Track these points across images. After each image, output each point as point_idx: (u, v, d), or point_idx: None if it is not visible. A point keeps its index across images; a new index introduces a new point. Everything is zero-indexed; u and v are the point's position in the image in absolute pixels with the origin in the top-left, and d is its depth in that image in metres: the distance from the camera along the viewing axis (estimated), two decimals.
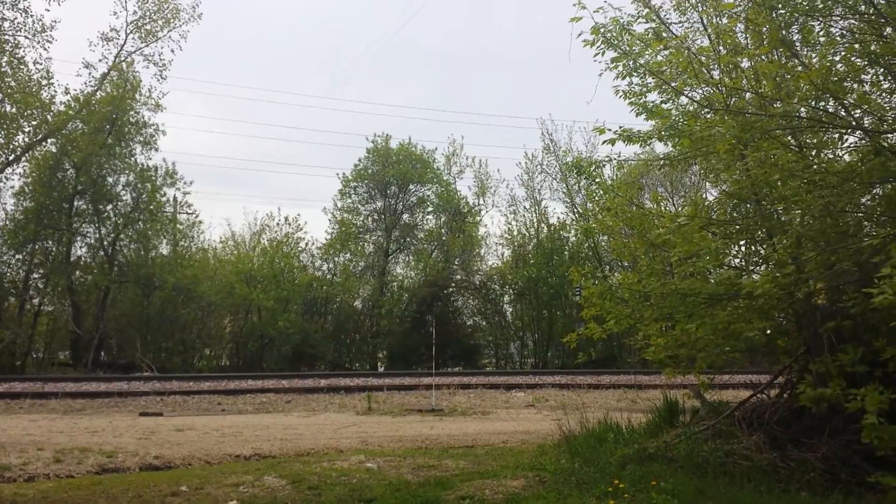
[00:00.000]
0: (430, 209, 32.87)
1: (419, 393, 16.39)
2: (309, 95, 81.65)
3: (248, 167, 61.63)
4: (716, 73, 7.87)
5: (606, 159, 8.53)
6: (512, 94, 78.81)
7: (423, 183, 32.54)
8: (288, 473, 7.37)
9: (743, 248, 7.88)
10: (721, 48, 7.85)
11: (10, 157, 25.29)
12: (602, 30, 7.74)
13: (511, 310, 30.42)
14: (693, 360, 8.02)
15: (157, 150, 26.92)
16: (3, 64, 25.14)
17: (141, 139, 26.42)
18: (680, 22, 8.26)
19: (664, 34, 7.86)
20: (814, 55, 7.61)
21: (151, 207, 26.24)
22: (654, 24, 8.05)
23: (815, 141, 7.67)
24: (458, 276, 30.47)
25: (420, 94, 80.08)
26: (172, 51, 28.58)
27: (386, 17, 75.84)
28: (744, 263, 8.07)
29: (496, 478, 7.29)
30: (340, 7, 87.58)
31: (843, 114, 6.94)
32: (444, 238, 31.73)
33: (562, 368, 23.01)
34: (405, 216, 32.46)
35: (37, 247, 25.07)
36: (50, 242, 25.48)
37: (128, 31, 26.49)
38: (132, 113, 25.92)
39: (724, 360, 7.99)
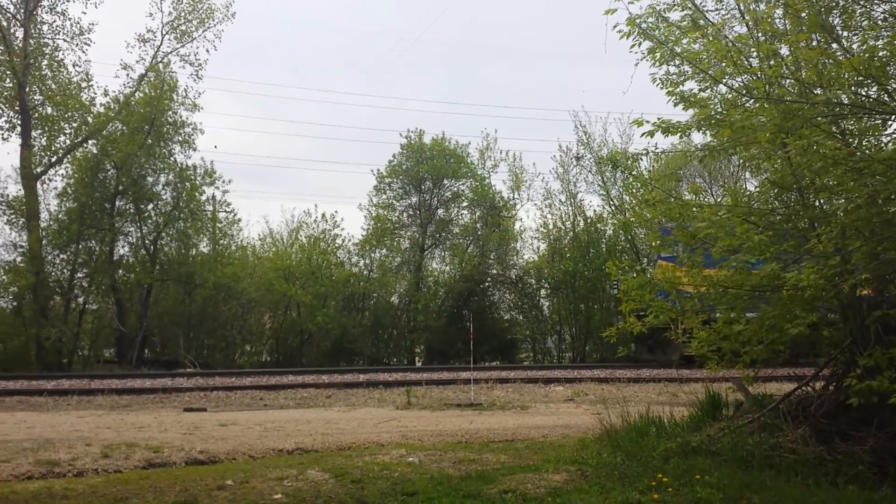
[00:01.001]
0: (464, 204, 32.83)
1: (457, 387, 16.42)
2: (341, 92, 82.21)
3: (283, 165, 62.20)
4: (754, 61, 7.75)
5: (643, 152, 8.44)
6: (545, 86, 78.44)
7: (458, 178, 32.51)
8: (331, 467, 7.44)
9: (786, 240, 7.76)
10: (759, 35, 7.73)
11: (53, 159, 25.83)
12: (638, 20, 7.66)
13: (548, 304, 30.29)
14: (737, 353, 7.93)
15: (195, 149, 27.27)
16: (44, 67, 25.69)
17: (179, 139, 26.76)
18: (716, 9, 8.15)
19: (701, 22, 7.76)
20: (855, 40, 7.47)
21: (191, 206, 26.57)
22: (690, 12, 7.96)
23: (858, 128, 7.53)
24: (494, 271, 30.42)
25: (452, 88, 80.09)
26: (207, 51, 28.89)
27: (415, 12, 75.94)
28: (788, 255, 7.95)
29: (537, 472, 7.29)
30: (371, 3, 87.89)
31: (886, 99, 6.79)
32: (479, 233, 31.69)
33: (600, 362, 22.86)
34: (440, 211, 32.46)
35: (80, 246, 25.54)
36: (93, 242, 25.94)
37: (164, 32, 26.87)
38: (170, 113, 26.26)
39: (769, 354, 7.88)
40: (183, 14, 26.98)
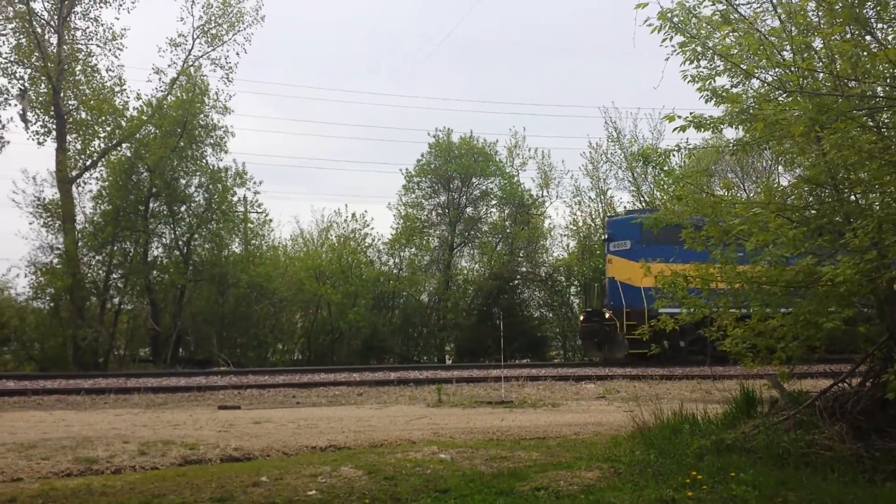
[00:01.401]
0: (493, 202, 32.81)
1: (488, 385, 16.42)
2: (369, 93, 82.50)
3: (313, 166, 62.71)
4: (787, 55, 7.66)
5: (675, 148, 8.38)
6: (574, 83, 78.05)
7: (486, 176, 32.48)
8: (363, 464, 7.50)
9: (821, 235, 7.66)
10: (792, 28, 7.64)
11: (87, 163, 26.23)
12: (669, 14, 7.60)
13: (578, 301, 30.19)
14: (772, 350, 7.85)
15: (226, 151, 27.56)
16: (78, 72, 26.11)
17: (211, 141, 27.04)
18: (748, 3, 8.06)
19: (733, 16, 7.69)
20: (890, 31, 7.35)
21: (223, 207, 26.85)
22: (721, 6, 7.88)
23: (893, 121, 7.41)
24: (524, 269, 30.39)
25: (479, 86, 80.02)
26: (237, 54, 29.16)
27: (442, 11, 76.02)
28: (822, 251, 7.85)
29: (570, 469, 7.28)
30: (398, 3, 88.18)
31: None
32: (508, 230, 31.66)
33: (632, 359, 22.74)
34: (469, 210, 32.47)
35: (115, 248, 25.92)
36: (128, 244, 26.32)
37: (195, 36, 27.13)
38: (202, 116, 26.56)
39: (804, 350, 7.79)
40: (213, 18, 27.23)
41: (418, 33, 73.99)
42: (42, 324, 24.63)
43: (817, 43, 7.63)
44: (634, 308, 21.03)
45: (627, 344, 20.88)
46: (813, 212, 7.83)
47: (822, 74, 7.55)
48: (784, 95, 7.54)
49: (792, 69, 7.44)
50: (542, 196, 33.25)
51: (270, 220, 29.97)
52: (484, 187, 32.74)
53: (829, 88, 7.20)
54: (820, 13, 7.64)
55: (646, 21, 7.65)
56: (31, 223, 25.70)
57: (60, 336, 23.83)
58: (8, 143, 24.80)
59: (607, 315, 21.79)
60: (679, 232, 18.40)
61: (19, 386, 15.34)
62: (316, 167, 70.16)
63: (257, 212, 29.62)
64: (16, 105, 25.39)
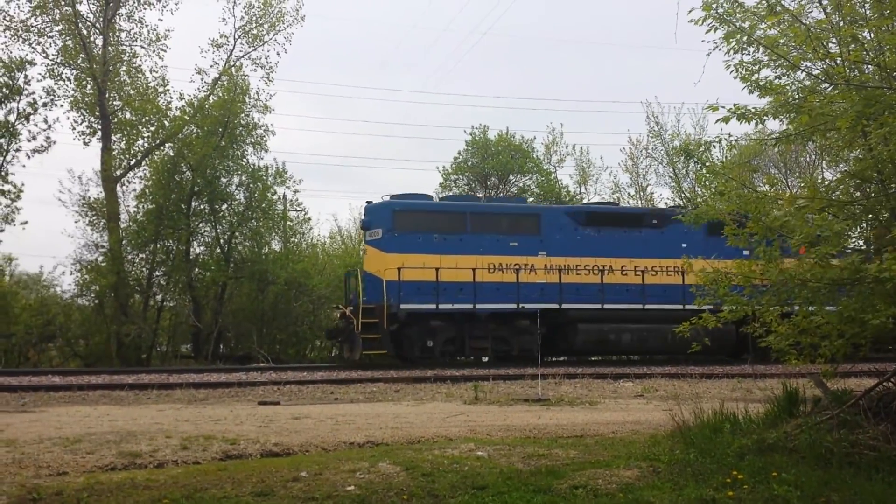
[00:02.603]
0: (530, 199, 32.72)
1: (524, 382, 16.36)
2: (406, 91, 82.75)
3: (350, 164, 63.16)
4: (833, 47, 7.50)
5: (716, 139, 8.24)
6: (613, 78, 77.38)
7: (524, 173, 32.42)
8: (401, 460, 7.52)
9: (868, 231, 7.49)
10: (839, 20, 7.47)
11: (132, 162, 26.74)
12: (714, 5, 7.48)
13: None
14: (816, 347, 7.70)
15: (266, 150, 27.87)
16: (122, 73, 26.61)
17: (252, 140, 27.36)
18: None
19: (777, 8, 7.54)
20: None
21: (263, 206, 27.14)
22: None
23: None
24: None
25: (516, 83, 79.75)
26: (278, 53, 29.52)
27: (481, 8, 75.86)
28: (869, 247, 7.67)
29: (608, 468, 7.21)
30: (434, 2, 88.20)
31: None
32: None
33: (670, 358, 22.50)
34: None
35: (158, 246, 26.38)
36: (170, 242, 26.75)
37: (236, 37, 27.50)
38: (243, 115, 26.88)
39: (849, 348, 7.62)
40: (255, 18, 27.55)
41: (458, 29, 74.02)
42: (87, 320, 25.18)
43: (865, 35, 7.45)
44: (376, 304, 19.75)
45: (362, 344, 19.71)
46: (859, 208, 7.65)
47: (870, 67, 7.39)
48: (830, 88, 7.38)
49: (838, 61, 7.28)
50: (581, 192, 33.07)
51: (309, 219, 30.25)
52: (521, 184, 32.66)
53: (878, 81, 7.03)
54: (867, 4, 7.47)
55: (689, 12, 7.55)
56: (76, 222, 26.37)
57: (105, 332, 24.33)
58: (54, 143, 25.35)
59: (346, 312, 20.56)
60: (439, 219, 18.09)
61: (65, 381, 15.66)
62: (354, 165, 70.67)
63: (296, 210, 29.91)
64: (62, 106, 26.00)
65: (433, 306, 19.72)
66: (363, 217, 22.34)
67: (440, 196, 27.31)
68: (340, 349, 22.65)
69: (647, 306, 20.97)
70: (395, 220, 20.43)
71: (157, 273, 26.76)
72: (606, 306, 20.84)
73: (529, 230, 21.28)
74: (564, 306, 20.66)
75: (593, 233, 21.61)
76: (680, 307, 19.56)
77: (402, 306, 19.53)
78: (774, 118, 7.70)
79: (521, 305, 20.24)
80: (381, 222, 20.74)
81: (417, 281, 19.75)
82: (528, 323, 20.09)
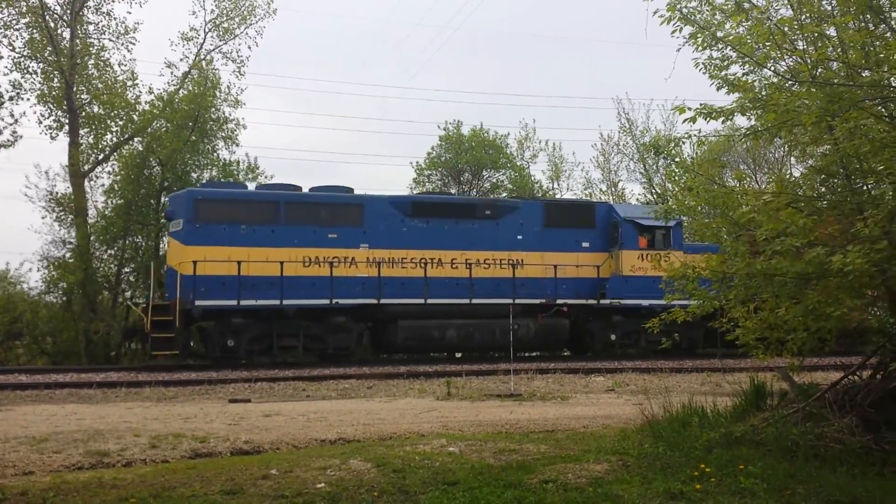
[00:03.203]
0: (504, 194, 32.80)
1: (497, 378, 16.41)
2: (380, 86, 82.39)
3: (324, 158, 62.78)
4: (800, 44, 7.59)
5: (686, 136, 8.31)
6: (585, 74, 77.72)
7: (497, 168, 32.48)
8: (372, 457, 7.51)
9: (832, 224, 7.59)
10: (804, 17, 7.56)
11: (100, 157, 26.34)
12: (678, 5, 7.54)
13: None
14: (782, 342, 7.80)
15: (238, 144, 27.64)
16: (90, 66, 26.20)
17: (223, 135, 27.12)
18: None
19: (745, 4, 7.61)
20: None
21: None
22: None
23: None
24: None
25: (489, 79, 79.80)
26: (249, 47, 29.28)
27: (452, 4, 75.80)
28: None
29: (578, 462, 7.27)
30: None
31: None
32: None
33: (641, 353, 22.68)
34: None
35: (127, 242, 26.01)
36: (139, 237, 26.40)
37: (206, 30, 27.18)
38: (213, 110, 26.62)
39: (815, 342, 7.74)
40: (225, 12, 27.27)
41: (431, 24, 73.85)
42: (54, 318, 24.76)
43: (830, 32, 7.55)
44: (171, 301, 18.48)
45: (151, 343, 18.43)
46: (825, 203, 7.76)
47: (835, 64, 7.49)
48: (796, 85, 7.47)
49: (804, 59, 7.37)
50: (553, 188, 33.22)
51: None
52: (495, 180, 32.71)
53: (842, 78, 7.13)
54: (833, 2, 7.56)
55: (655, 13, 7.61)
56: (43, 217, 25.94)
57: (73, 330, 23.94)
58: (21, 137, 24.94)
59: (139, 310, 19.39)
60: (248, 209, 17.67)
61: (31, 380, 15.42)
62: (327, 160, 70.17)
63: None
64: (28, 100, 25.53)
65: (234, 302, 18.23)
66: (166, 207, 21.03)
67: (414, 190, 27.26)
68: (143, 349, 21.01)
69: (475, 301, 19.95)
70: (198, 210, 18.87)
71: (125, 269, 26.40)
72: (431, 301, 19.71)
73: (351, 221, 19.95)
74: (384, 302, 19.43)
75: (421, 224, 20.41)
76: (510, 301, 19.34)
77: (198, 303, 18.07)
78: (742, 115, 7.78)
79: (335, 301, 19.03)
80: (183, 213, 19.09)
81: (220, 276, 18.26)
82: (344, 320, 19.35)
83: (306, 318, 19.17)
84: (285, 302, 18.61)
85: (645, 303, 20.34)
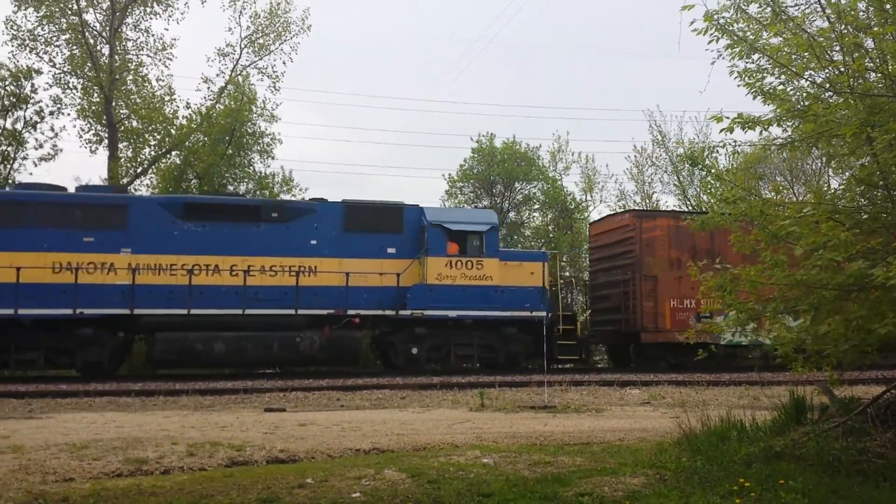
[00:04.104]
0: (536, 206, 32.78)
1: (531, 389, 16.35)
2: (412, 99, 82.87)
3: (356, 171, 63.23)
4: (837, 55, 7.51)
5: (721, 144, 8.23)
6: (619, 86, 77.39)
7: (529, 180, 32.46)
8: (407, 467, 7.52)
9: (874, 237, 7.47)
10: (842, 28, 7.48)
11: (139, 170, 26.88)
12: (715, 16, 7.51)
13: None
14: (822, 354, 7.68)
15: (273, 158, 28.04)
16: (129, 82, 26.77)
17: (258, 149, 27.55)
18: (796, 4, 7.90)
19: (782, 16, 7.55)
20: None
21: None
22: (770, 3, 7.74)
23: None
24: (567, 273, 30.23)
25: (523, 91, 79.80)
26: (284, 63, 29.77)
27: (485, 16, 76.03)
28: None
29: (614, 475, 7.20)
30: (441, 9, 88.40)
31: None
32: (551, 235, 31.56)
33: (678, 365, 22.41)
34: (511, 214, 32.46)
35: None
36: None
37: (242, 46, 27.73)
38: (249, 124, 27.02)
39: (856, 355, 7.60)
40: (261, 28, 27.77)
41: (462, 38, 74.15)
42: None
43: (868, 43, 7.47)
44: None
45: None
46: (865, 215, 7.64)
47: (873, 75, 7.40)
48: (834, 96, 7.39)
49: (842, 69, 7.29)
50: (586, 200, 33.09)
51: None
52: (527, 192, 32.69)
53: (882, 89, 7.04)
54: (871, 13, 7.48)
55: (691, 24, 7.58)
56: None
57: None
58: (61, 151, 25.56)
59: None
60: (25, 213, 16.38)
61: (71, 388, 15.69)
62: (360, 173, 70.69)
63: None
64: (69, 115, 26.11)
65: None
66: None
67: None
68: None
69: (249, 311, 18.27)
70: None
71: None
72: (195, 311, 17.97)
73: (112, 224, 18.02)
74: (138, 312, 17.70)
75: (196, 227, 18.56)
76: (292, 312, 18.33)
77: None
78: (779, 126, 7.71)
79: (79, 311, 17.32)
80: None
81: None
82: (92, 332, 17.68)
83: (47, 330, 17.56)
84: (21, 311, 17.03)
85: (452, 314, 19.41)
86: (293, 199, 25.82)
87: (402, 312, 19.29)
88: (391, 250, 19.67)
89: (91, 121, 26.44)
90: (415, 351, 19.70)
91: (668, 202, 36.03)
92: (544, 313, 19.98)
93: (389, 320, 19.59)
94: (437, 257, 19.55)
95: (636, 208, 21.80)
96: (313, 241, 19.18)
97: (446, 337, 19.84)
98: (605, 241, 23.64)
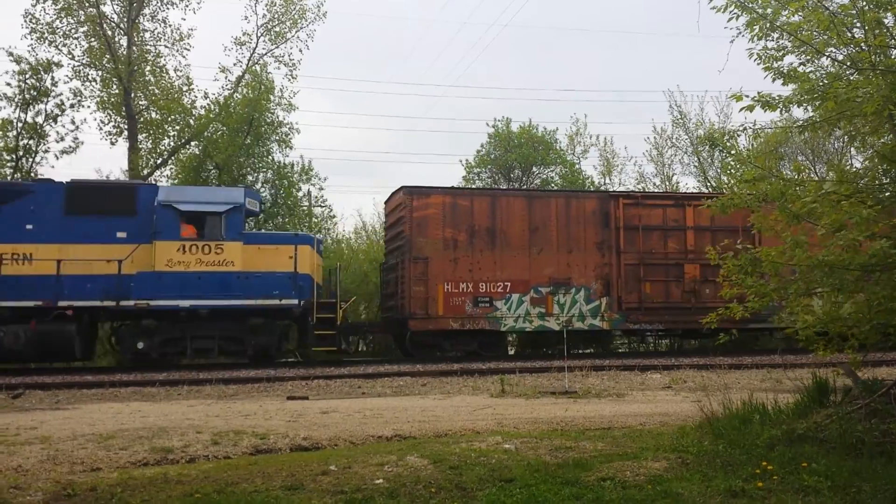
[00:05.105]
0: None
1: (551, 375, 16.34)
2: (430, 84, 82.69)
3: (375, 159, 63.30)
4: (858, 32, 7.39)
5: (741, 128, 8.16)
6: (637, 67, 76.71)
7: (547, 164, 32.34)
8: (429, 453, 7.56)
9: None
10: (863, 4, 7.36)
11: (158, 161, 27.06)
12: None
13: None
14: (844, 337, 7.61)
15: (291, 147, 28.13)
16: (147, 73, 26.91)
17: (276, 138, 27.62)
18: None
19: None
20: None
21: (289, 203, 27.34)
22: None
23: None
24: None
25: (540, 73, 79.34)
26: (301, 50, 29.86)
27: (499, 1, 75.48)
28: None
29: (636, 459, 7.20)
30: None
31: None
32: None
33: (699, 349, 22.30)
34: None
35: None
36: None
37: (258, 35, 27.77)
38: (267, 113, 27.08)
39: (878, 337, 7.52)
40: (277, 16, 27.80)
41: (479, 21, 73.78)
42: None
43: (889, 20, 7.35)
44: None
45: None
46: (888, 193, 7.54)
47: (894, 52, 7.28)
48: (855, 74, 7.29)
49: (863, 47, 7.17)
50: (605, 183, 32.89)
51: (334, 216, 30.43)
52: (545, 176, 32.56)
53: None
54: None
55: (710, 1, 7.50)
56: None
57: None
58: (82, 143, 25.76)
59: None
60: None
61: (97, 378, 15.89)
62: (378, 160, 70.69)
63: (321, 206, 30.07)
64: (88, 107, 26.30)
65: None
66: None
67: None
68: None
69: None
70: None
71: None
72: None
73: None
74: None
75: None
76: None
77: None
78: (799, 106, 7.61)
79: None
80: None
81: None
82: None
83: None
84: None
85: (185, 304, 17.72)
86: (5, 179, 23.62)
87: (124, 303, 17.57)
88: (122, 235, 17.97)
89: (111, 113, 26.64)
90: (141, 345, 17.89)
91: (689, 184, 35.77)
92: (295, 301, 18.43)
93: (111, 312, 17.96)
94: (168, 241, 17.79)
95: (411, 185, 20.01)
96: (29, 226, 17.45)
97: (182, 329, 18.03)
98: (390, 220, 22.48)
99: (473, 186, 26.95)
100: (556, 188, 31.37)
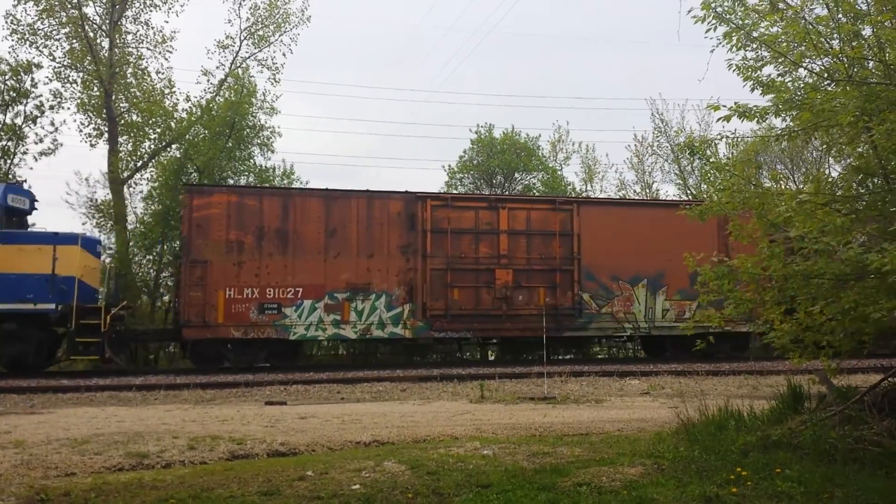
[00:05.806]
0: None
1: (530, 381, 16.38)
2: (413, 90, 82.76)
3: (358, 164, 63.25)
4: (835, 43, 7.50)
5: (719, 137, 8.26)
6: (618, 75, 77.21)
7: (529, 171, 32.46)
8: (407, 459, 7.56)
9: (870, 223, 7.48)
10: (840, 16, 7.48)
11: (139, 164, 26.86)
12: (713, 4, 7.50)
13: None
14: (819, 344, 7.69)
15: (273, 151, 28.02)
16: (129, 75, 26.73)
17: (258, 142, 27.52)
18: None
19: (780, 5, 7.55)
20: None
21: None
22: None
23: None
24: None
25: (523, 80, 79.64)
26: (284, 54, 29.76)
27: (484, 8, 75.71)
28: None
29: (613, 465, 7.24)
30: (439, 1, 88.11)
31: None
32: None
33: (678, 356, 22.43)
34: None
35: (165, 247, 26.46)
36: (177, 243, 26.84)
37: (242, 38, 27.66)
38: (249, 117, 26.98)
39: (853, 344, 7.62)
40: (260, 20, 27.71)
41: (462, 28, 73.96)
42: None
43: (866, 31, 7.46)
44: None
45: None
46: (863, 203, 7.65)
47: (871, 63, 7.39)
48: (832, 85, 7.39)
49: (840, 58, 7.28)
50: (586, 190, 33.06)
51: None
52: (527, 182, 32.67)
53: (879, 77, 7.03)
54: (869, 0, 7.47)
55: (689, 12, 7.58)
56: (83, 224, 26.58)
57: None
58: (62, 145, 25.55)
59: None
60: None
61: (73, 383, 15.75)
62: (360, 165, 70.59)
63: None
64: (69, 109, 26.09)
65: None
66: None
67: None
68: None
69: None
70: None
71: (164, 274, 26.83)
72: None
73: None
74: None
75: None
76: None
77: None
78: (776, 116, 7.71)
79: None
80: None
81: None
82: None
83: None
84: None
85: None
86: None
87: None
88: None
89: (91, 115, 26.41)
90: None
91: (669, 191, 36.04)
92: (52, 305, 17.08)
93: None
94: None
95: (192, 183, 19.34)
96: None
97: None
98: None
99: (263, 185, 25.66)
100: (536, 194, 31.55)
